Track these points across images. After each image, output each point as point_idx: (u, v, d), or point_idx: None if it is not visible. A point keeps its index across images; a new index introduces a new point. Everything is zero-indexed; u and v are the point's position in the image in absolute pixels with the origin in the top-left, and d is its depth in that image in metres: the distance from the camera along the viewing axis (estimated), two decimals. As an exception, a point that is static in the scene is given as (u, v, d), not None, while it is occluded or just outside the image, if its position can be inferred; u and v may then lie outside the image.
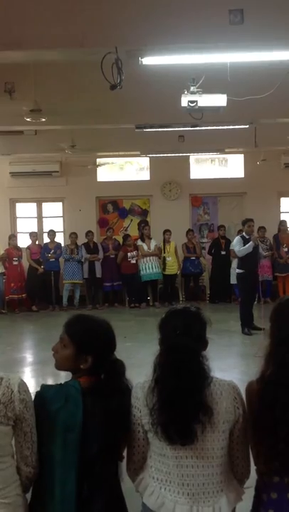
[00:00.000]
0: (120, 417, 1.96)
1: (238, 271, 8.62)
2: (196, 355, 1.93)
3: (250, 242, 8.22)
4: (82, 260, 10.99)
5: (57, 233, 11.54)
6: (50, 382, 2.11)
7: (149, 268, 10.99)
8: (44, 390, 2.02)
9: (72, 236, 11.11)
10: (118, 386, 2.00)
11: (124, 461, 2.10)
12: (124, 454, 2.12)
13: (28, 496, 2.06)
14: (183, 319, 2.00)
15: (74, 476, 1.92)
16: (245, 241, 8.33)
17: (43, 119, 6.63)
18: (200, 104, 5.06)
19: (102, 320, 2.14)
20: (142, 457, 2.03)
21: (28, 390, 1.98)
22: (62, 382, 2.06)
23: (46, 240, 11.43)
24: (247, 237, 8.38)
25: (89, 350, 2.02)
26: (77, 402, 1.95)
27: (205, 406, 1.88)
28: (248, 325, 8.31)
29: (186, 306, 2.08)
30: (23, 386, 1.96)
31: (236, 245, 8.52)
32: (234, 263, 11.06)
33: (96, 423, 1.94)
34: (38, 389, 2.05)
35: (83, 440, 1.93)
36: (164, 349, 1.97)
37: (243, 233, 8.60)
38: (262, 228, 11.07)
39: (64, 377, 2.23)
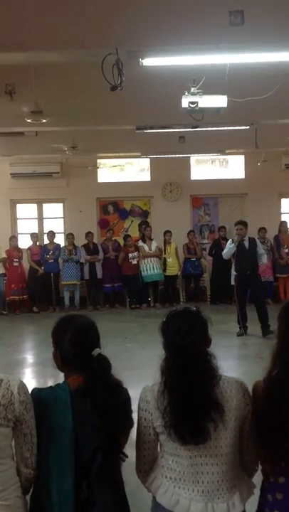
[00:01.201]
0: (110, 415, 1.94)
1: (233, 273, 8.54)
2: (203, 354, 1.95)
3: (232, 244, 8.19)
4: (82, 261, 11.00)
5: (58, 234, 11.55)
6: (50, 383, 2.11)
7: (150, 269, 10.99)
8: (34, 393, 2.02)
9: (70, 237, 11.11)
10: (104, 384, 1.99)
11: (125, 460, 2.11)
12: (127, 453, 2.12)
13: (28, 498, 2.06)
14: (185, 320, 2.00)
15: (70, 478, 1.91)
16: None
17: (44, 121, 6.63)
18: (200, 105, 5.06)
19: (80, 316, 2.16)
20: (152, 458, 2.06)
21: (28, 392, 1.99)
22: (60, 382, 2.07)
23: (47, 241, 11.44)
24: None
25: (56, 342, 2.07)
26: (65, 404, 1.96)
27: (216, 404, 1.90)
28: (242, 325, 8.29)
29: (186, 306, 2.09)
30: (22, 388, 1.96)
31: (226, 248, 8.53)
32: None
33: (87, 424, 1.93)
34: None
35: (77, 442, 1.93)
36: (171, 352, 1.97)
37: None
38: (262, 229, 11.07)
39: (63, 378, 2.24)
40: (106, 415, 1.93)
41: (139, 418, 2.04)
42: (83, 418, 1.94)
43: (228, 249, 8.26)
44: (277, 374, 1.95)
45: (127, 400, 2.07)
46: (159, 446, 2.06)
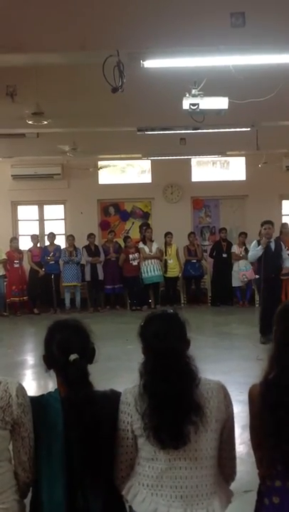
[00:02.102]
0: (86, 426, 1.88)
1: (256, 276, 8.21)
2: (182, 357, 1.93)
3: (259, 246, 7.78)
4: (82, 262, 11.00)
5: (59, 236, 11.55)
6: (51, 385, 2.09)
7: (150, 271, 10.99)
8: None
9: (70, 238, 11.12)
10: (81, 392, 1.92)
11: None
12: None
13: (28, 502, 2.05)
14: (163, 323, 2.00)
15: (61, 487, 1.89)
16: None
17: (45, 122, 6.64)
18: (201, 106, 5.07)
19: (69, 321, 2.11)
20: (130, 464, 2.00)
21: (27, 395, 1.98)
22: (52, 391, 2.05)
23: (47, 242, 11.45)
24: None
25: (44, 346, 2.07)
26: (56, 412, 1.94)
27: (196, 406, 1.88)
28: (263, 333, 7.62)
29: (164, 310, 2.11)
30: (21, 390, 1.95)
31: (250, 250, 8.13)
32: (236, 266, 11.08)
33: (75, 433, 1.89)
34: (38, 392, 2.05)
35: (69, 451, 1.90)
36: (150, 355, 1.95)
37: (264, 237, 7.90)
38: (263, 231, 11.06)
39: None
40: (81, 425, 1.88)
41: (119, 421, 1.98)
42: (70, 427, 1.90)
43: (255, 251, 7.81)
44: (274, 377, 1.94)
45: (115, 406, 2.00)
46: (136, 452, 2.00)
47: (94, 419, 1.88)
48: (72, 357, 1.93)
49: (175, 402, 1.87)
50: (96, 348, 2.05)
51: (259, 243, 7.89)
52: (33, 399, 2.01)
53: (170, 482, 1.91)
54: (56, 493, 1.90)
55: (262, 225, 8.01)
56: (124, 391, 2.02)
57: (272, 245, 7.89)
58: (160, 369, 1.90)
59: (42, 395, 2.04)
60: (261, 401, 1.94)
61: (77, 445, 1.89)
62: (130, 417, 1.95)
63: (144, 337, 1.99)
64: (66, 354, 1.95)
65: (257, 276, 8.06)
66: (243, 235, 11.30)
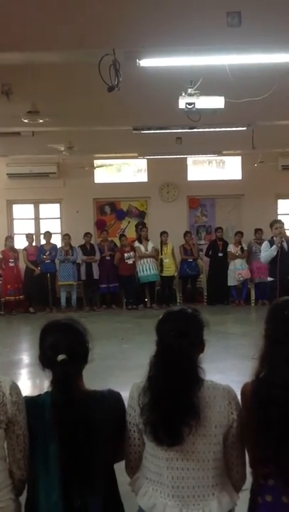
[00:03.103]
0: (73, 427, 1.86)
1: (269, 279, 7.83)
2: (188, 358, 1.92)
3: (274, 246, 7.51)
4: (78, 261, 11.00)
5: (54, 235, 11.54)
6: (46, 384, 2.08)
7: (146, 270, 11.00)
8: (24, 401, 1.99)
9: (66, 238, 11.11)
10: (67, 393, 1.91)
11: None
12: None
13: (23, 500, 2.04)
14: (179, 321, 1.99)
15: (58, 487, 1.89)
16: (273, 245, 7.57)
17: (41, 121, 6.62)
18: (197, 106, 5.06)
19: (62, 320, 2.10)
20: (139, 457, 2.04)
21: (20, 393, 1.97)
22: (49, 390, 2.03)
23: (44, 241, 11.43)
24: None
25: (39, 345, 2.06)
26: (50, 413, 1.93)
27: (193, 408, 1.87)
28: None
29: (183, 307, 2.07)
30: (14, 389, 1.94)
31: (262, 251, 7.85)
32: (232, 265, 11.10)
33: (73, 434, 1.88)
34: (33, 391, 2.05)
35: (64, 451, 1.89)
36: (160, 350, 1.97)
37: (274, 237, 7.61)
38: (259, 230, 11.09)
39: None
40: (62, 425, 1.87)
41: (127, 415, 2.03)
42: (65, 428, 1.89)
43: (270, 251, 7.50)
44: (265, 375, 1.94)
45: (111, 407, 2.01)
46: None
47: (76, 419, 1.87)
48: (60, 357, 1.93)
49: (173, 399, 1.88)
50: (91, 346, 2.04)
51: (271, 243, 7.63)
52: (29, 399, 2.01)
53: (168, 481, 1.94)
54: (53, 493, 1.90)
55: (271, 226, 7.76)
56: (132, 385, 2.05)
57: (285, 245, 7.60)
58: (165, 364, 1.91)
59: (39, 395, 2.04)
60: (252, 399, 1.94)
61: (61, 444, 1.88)
62: (134, 411, 2.00)
63: (159, 331, 2.00)
64: (55, 355, 1.94)
65: (270, 279, 7.67)
66: (239, 234, 11.33)
